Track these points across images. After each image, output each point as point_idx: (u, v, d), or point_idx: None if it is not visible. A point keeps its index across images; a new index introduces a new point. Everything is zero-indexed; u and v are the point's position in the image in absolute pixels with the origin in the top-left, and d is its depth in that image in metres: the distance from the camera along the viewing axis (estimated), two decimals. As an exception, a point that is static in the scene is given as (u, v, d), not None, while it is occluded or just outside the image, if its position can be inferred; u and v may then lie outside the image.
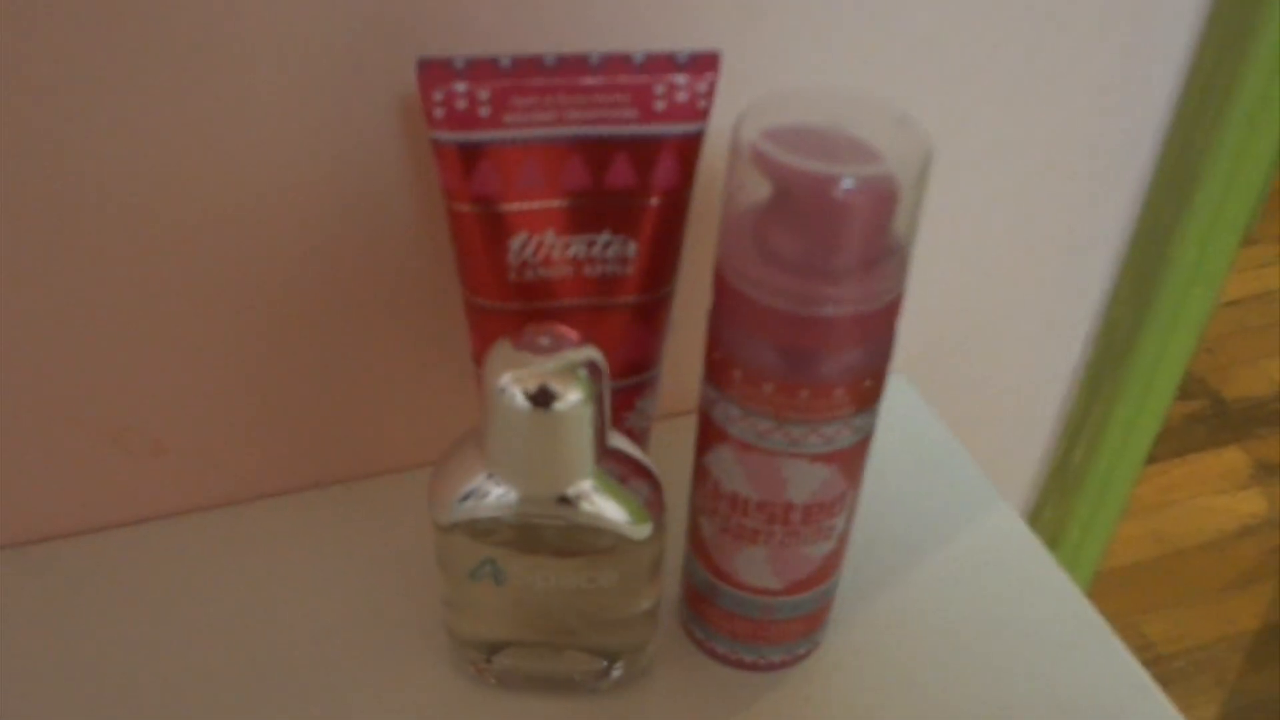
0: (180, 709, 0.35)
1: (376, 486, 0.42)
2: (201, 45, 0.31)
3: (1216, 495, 1.27)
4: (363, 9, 0.32)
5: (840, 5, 0.37)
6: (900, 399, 0.47)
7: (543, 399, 0.28)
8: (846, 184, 0.26)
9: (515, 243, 0.32)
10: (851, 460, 0.31)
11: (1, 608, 0.37)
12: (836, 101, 0.29)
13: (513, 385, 0.28)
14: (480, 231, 0.32)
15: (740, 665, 0.36)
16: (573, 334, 0.29)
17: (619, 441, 0.31)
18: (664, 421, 0.40)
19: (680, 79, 0.31)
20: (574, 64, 0.31)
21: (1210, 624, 1.13)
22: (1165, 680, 0.36)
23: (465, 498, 0.30)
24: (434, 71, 0.30)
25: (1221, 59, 0.43)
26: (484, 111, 0.30)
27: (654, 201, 0.32)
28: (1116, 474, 0.57)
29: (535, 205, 0.32)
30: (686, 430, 0.34)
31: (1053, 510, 0.59)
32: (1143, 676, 0.37)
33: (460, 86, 0.30)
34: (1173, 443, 1.31)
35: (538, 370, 0.28)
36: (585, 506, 0.30)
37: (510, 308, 0.33)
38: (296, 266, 0.37)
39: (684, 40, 0.35)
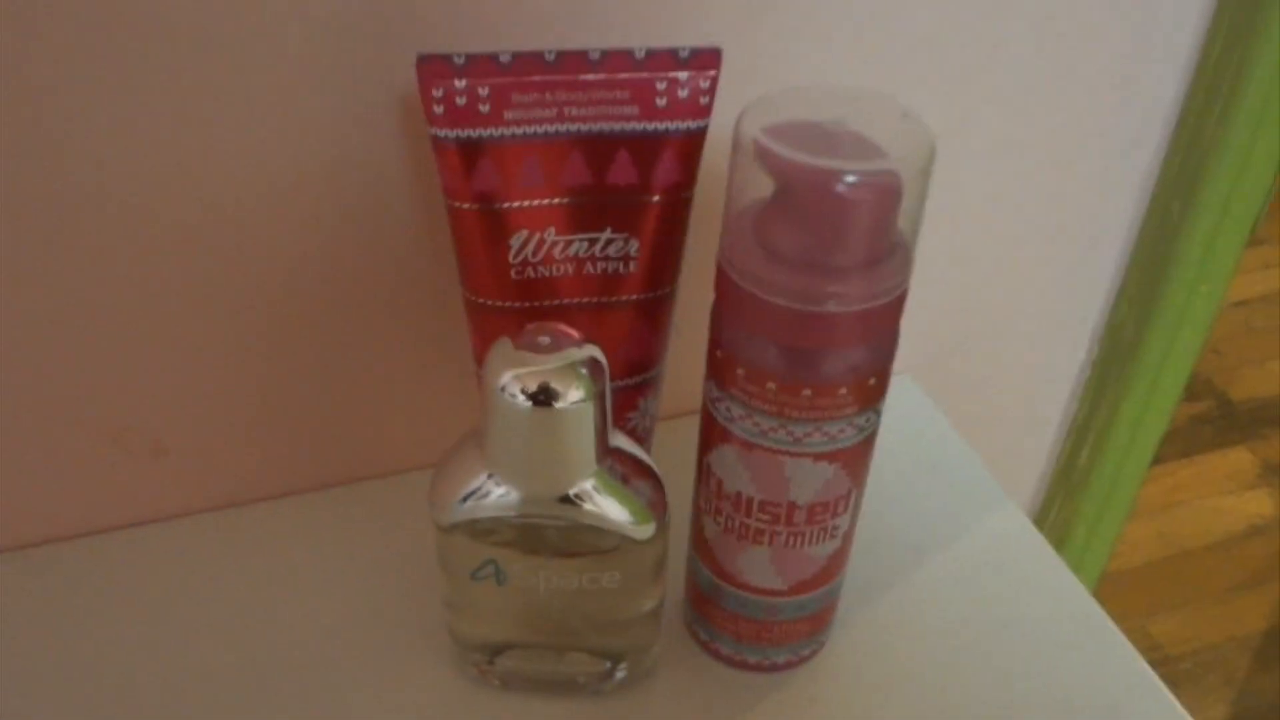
0: (182, 712, 0.35)
1: (377, 487, 0.42)
2: (201, 44, 0.31)
3: (1223, 496, 1.26)
4: (362, 6, 0.32)
5: (843, 3, 0.37)
6: (906, 399, 0.46)
7: (544, 398, 0.27)
8: (849, 179, 0.26)
9: (516, 241, 0.32)
10: (855, 459, 0.31)
11: (2, 609, 0.37)
12: (839, 97, 0.29)
13: (513, 384, 0.27)
14: (480, 229, 0.32)
15: (744, 666, 0.36)
16: (574, 333, 0.29)
17: (621, 441, 0.31)
18: (667, 421, 0.40)
19: (682, 75, 0.31)
20: (574, 60, 0.30)
21: (1217, 625, 1.12)
22: (1172, 681, 0.36)
23: (466, 498, 0.30)
24: (433, 68, 0.30)
25: (1227, 57, 0.43)
26: (484, 108, 0.30)
27: (656, 199, 0.32)
28: (1123, 474, 0.56)
29: (536, 203, 0.32)
30: (689, 430, 0.33)
31: (1059, 510, 0.59)
32: (1151, 677, 0.36)
33: (460, 83, 0.30)
34: (1179, 443, 1.31)
35: (538, 369, 0.27)
36: (587, 506, 0.29)
37: (511, 306, 0.33)
38: (296, 266, 0.36)
39: (686, 38, 0.35)
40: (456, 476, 0.30)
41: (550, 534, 0.30)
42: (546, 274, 0.33)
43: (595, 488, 0.29)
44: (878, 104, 0.28)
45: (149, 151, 0.33)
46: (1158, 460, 0.58)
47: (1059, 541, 0.59)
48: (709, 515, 0.33)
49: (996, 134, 0.42)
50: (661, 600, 0.34)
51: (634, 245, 0.33)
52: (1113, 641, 0.37)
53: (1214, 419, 1.36)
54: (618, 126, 0.31)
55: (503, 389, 0.28)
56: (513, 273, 0.32)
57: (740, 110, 0.27)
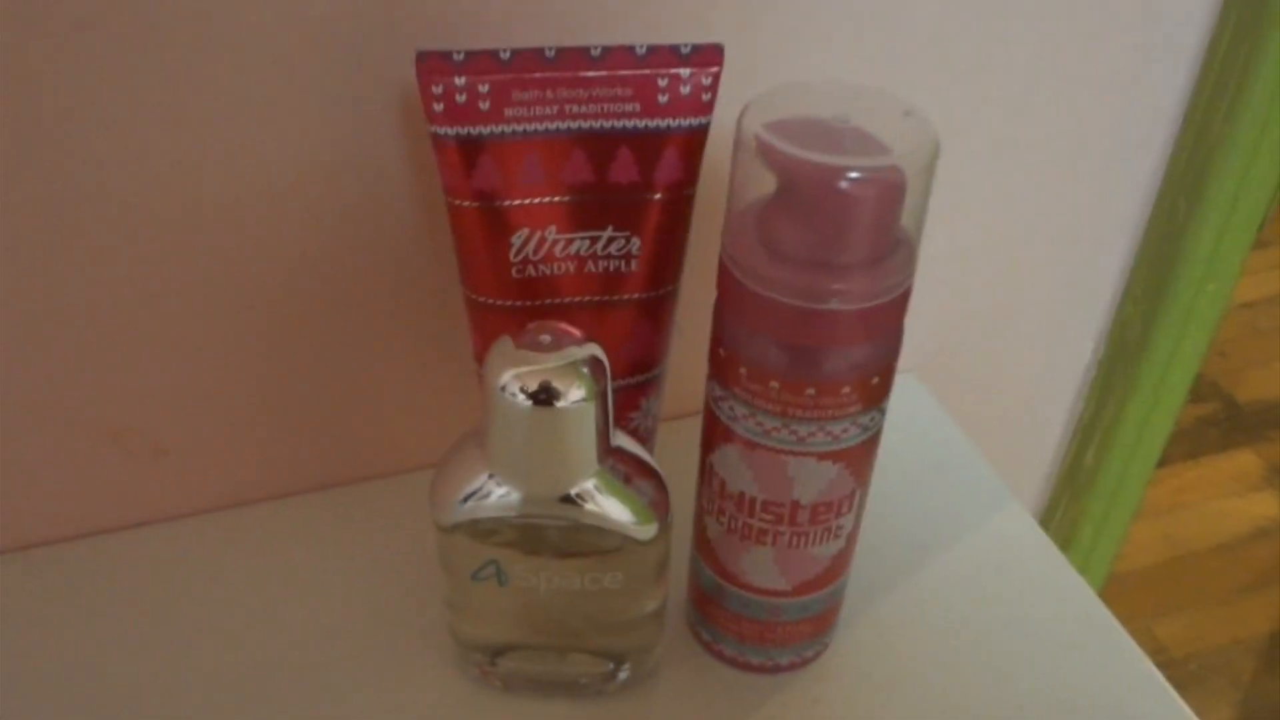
0: (182, 712, 0.35)
1: (378, 488, 0.42)
2: (200, 43, 0.31)
3: (1229, 498, 1.26)
4: (361, 4, 0.32)
5: (845, 1, 0.37)
6: (911, 399, 0.46)
7: (545, 397, 0.27)
8: (852, 175, 0.26)
9: (517, 239, 0.32)
10: (859, 458, 0.31)
11: (2, 611, 0.37)
12: (842, 93, 0.29)
13: (514, 384, 0.27)
14: (481, 228, 0.31)
15: (748, 668, 0.36)
16: (575, 331, 0.28)
17: (623, 441, 0.31)
18: (670, 422, 0.39)
19: (684, 72, 0.31)
20: (575, 57, 0.30)
21: (1223, 627, 1.12)
22: (1178, 683, 0.36)
23: (467, 498, 0.29)
24: (433, 65, 0.30)
25: (1234, 54, 0.42)
26: (484, 105, 0.30)
27: (657, 196, 0.32)
28: (1129, 475, 0.56)
29: (537, 201, 0.31)
30: (692, 430, 0.33)
31: (1065, 511, 0.58)
32: (1157, 679, 0.36)
33: (460, 80, 0.30)
34: (1185, 445, 1.31)
35: (540, 368, 0.27)
36: (589, 507, 0.29)
37: (512, 305, 0.33)
38: (296, 265, 0.36)
39: (687, 35, 0.35)
40: (457, 476, 0.30)
41: (552, 534, 0.30)
42: (547, 272, 0.33)
43: (597, 488, 0.29)
44: (880, 100, 0.28)
45: (149, 151, 0.33)
46: (1163, 462, 0.58)
47: (1065, 542, 0.59)
48: (712, 515, 0.33)
49: (1000, 133, 0.42)
50: (664, 601, 0.33)
51: (636, 243, 0.33)
52: (1118, 643, 0.37)
53: (1220, 421, 1.35)
54: (619, 124, 0.31)
55: (503, 388, 0.27)
56: (513, 271, 0.32)
57: (742, 107, 0.27)
